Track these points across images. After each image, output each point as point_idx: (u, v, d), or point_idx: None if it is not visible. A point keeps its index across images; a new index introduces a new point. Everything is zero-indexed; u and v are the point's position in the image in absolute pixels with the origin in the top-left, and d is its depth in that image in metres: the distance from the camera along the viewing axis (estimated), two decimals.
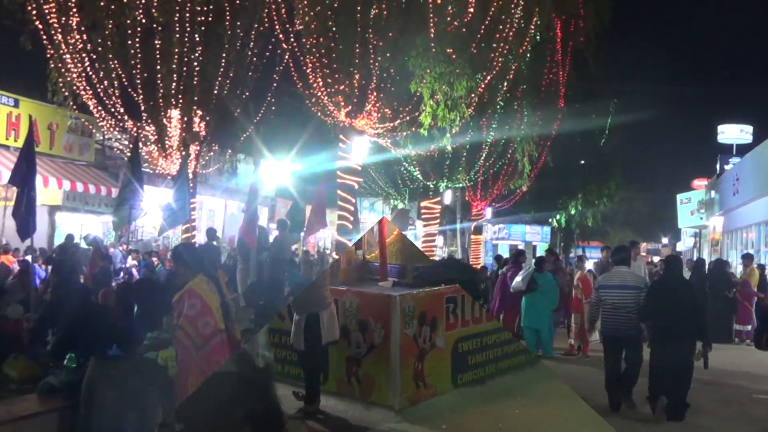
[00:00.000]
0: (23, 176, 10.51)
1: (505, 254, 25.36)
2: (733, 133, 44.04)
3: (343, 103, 17.06)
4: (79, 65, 17.85)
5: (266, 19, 17.63)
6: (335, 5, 15.95)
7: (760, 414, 10.75)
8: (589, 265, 17.70)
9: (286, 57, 17.51)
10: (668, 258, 13.72)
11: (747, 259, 19.53)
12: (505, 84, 19.30)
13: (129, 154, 16.46)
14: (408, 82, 16.34)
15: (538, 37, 19.79)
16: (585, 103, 28.26)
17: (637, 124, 32.41)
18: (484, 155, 23.23)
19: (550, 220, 38.28)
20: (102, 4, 17.04)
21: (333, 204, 19.88)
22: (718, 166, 40.48)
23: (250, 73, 18.97)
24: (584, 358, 15.49)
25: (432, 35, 16.04)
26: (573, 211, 36.21)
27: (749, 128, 43.40)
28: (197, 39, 17.64)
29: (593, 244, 46.30)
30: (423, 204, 24.81)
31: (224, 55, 18.16)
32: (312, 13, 16.23)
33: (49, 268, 14.14)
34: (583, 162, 34.51)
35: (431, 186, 23.10)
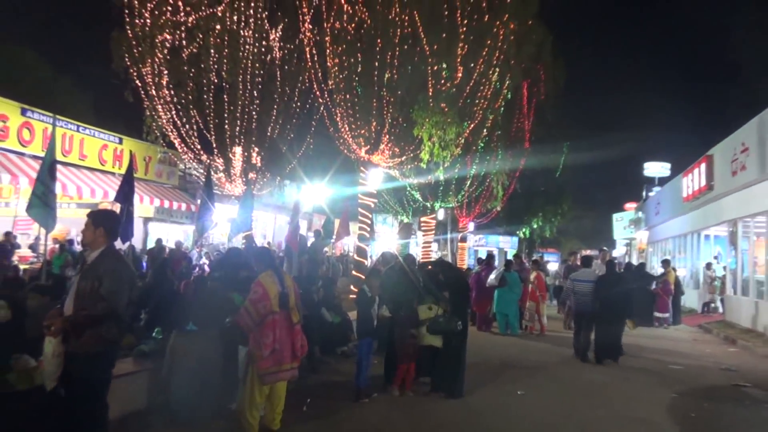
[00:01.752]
0: (125, 195, 10.56)
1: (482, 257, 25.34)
2: (655, 168, 44.08)
3: (363, 143, 17.08)
4: (167, 113, 17.95)
5: (306, 80, 17.68)
6: (358, 70, 16.00)
7: (674, 378, 10.76)
8: (553, 267, 17.91)
9: (321, 108, 17.56)
10: (608, 262, 14.72)
11: (665, 263, 19.66)
12: (484, 130, 19.35)
13: (204, 179, 16.50)
14: (412, 128, 16.38)
15: (509, 95, 19.84)
16: (544, 144, 28.31)
17: (582, 160, 32.51)
18: (468, 183, 23.27)
19: (517, 231, 38.58)
20: (185, 68, 17.14)
21: (355, 218, 19.92)
22: (644, 193, 40.60)
23: (294, 120, 19.02)
24: (542, 336, 15.65)
25: (430, 93, 16.09)
26: (535, 225, 36.81)
27: (668, 165, 43.44)
28: (255, 94, 17.72)
29: (550, 250, 46.60)
30: (422, 219, 24.81)
31: (275, 106, 18.23)
32: (340, 77, 16.27)
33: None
34: (543, 189, 34.71)
35: (428, 205, 23.12)
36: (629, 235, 41.75)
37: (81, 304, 5.04)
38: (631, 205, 43.62)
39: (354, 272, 18.52)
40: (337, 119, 16.96)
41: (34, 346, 5.69)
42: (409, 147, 17.10)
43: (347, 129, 16.87)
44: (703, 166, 20.78)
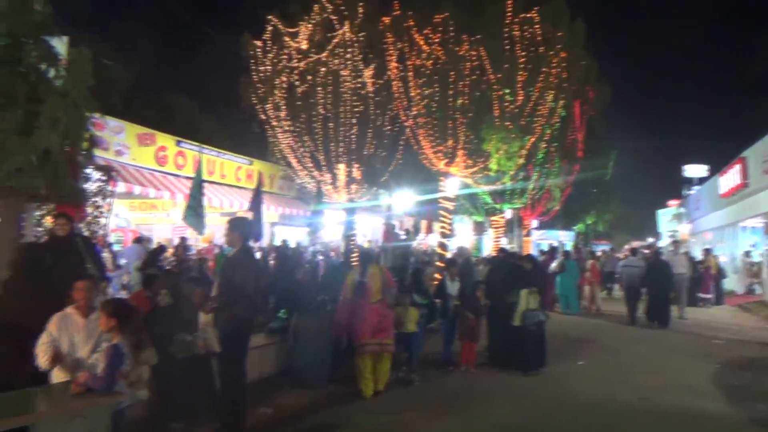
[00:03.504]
0: (256, 205, 10.88)
1: (545, 249, 24.67)
2: (694, 170, 41.69)
3: (442, 157, 16.93)
4: (286, 139, 18.42)
5: (394, 108, 17.69)
6: (436, 98, 15.88)
7: (717, 352, 10.08)
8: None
9: (407, 130, 17.52)
10: (654, 251, 14.57)
11: (706, 252, 18.59)
12: (543, 143, 18.79)
13: (315, 191, 16.84)
14: (482, 144, 16.12)
15: (563, 113, 19.23)
16: (595, 152, 27.29)
17: (630, 164, 31.22)
18: (530, 187, 22.64)
19: (574, 227, 37.40)
20: (298, 103, 17.54)
21: (437, 219, 19.76)
22: (684, 191, 38.38)
23: (385, 141, 19.03)
24: (598, 314, 15.12)
25: (496, 114, 15.79)
26: (589, 222, 35.63)
27: (706, 166, 41.02)
28: (353, 121, 17.89)
29: (603, 242, 44.69)
30: (492, 218, 24.26)
31: (369, 130, 18.34)
32: (422, 104, 16.19)
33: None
34: (594, 190, 33.45)
35: (497, 207, 22.62)
36: (673, 227, 39.60)
37: (221, 289, 5.24)
38: (673, 202, 41.32)
39: (437, 263, 18.37)
40: (420, 138, 16.86)
41: (189, 324, 5.92)
42: (480, 159, 16.81)
43: (429, 146, 16.75)
44: (738, 166, 19.49)
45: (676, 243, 14.93)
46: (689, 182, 39.79)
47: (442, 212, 18.46)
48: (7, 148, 5.33)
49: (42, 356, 4.13)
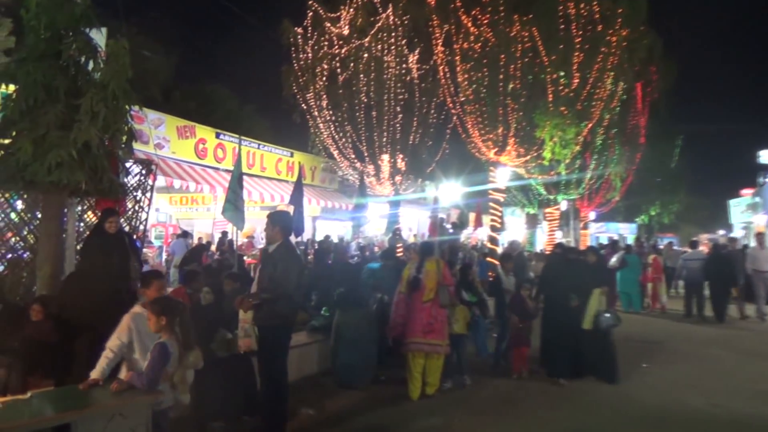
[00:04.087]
0: (297, 198, 10.97)
1: (604, 242, 24.12)
2: None
3: (491, 146, 16.73)
4: (327, 130, 18.55)
5: (440, 95, 17.56)
6: (485, 83, 15.67)
7: None
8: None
9: (454, 118, 17.36)
10: (713, 245, 15.97)
11: None
12: (601, 129, 18.32)
13: (358, 183, 16.87)
14: (534, 131, 15.82)
15: (623, 96, 18.69)
16: (659, 138, 26.46)
17: (698, 150, 30.13)
18: (588, 177, 22.12)
19: (636, 219, 36.35)
20: (340, 92, 17.63)
21: (486, 211, 19.54)
22: (760, 180, 36.65)
23: (431, 129, 18.96)
24: (663, 312, 14.74)
25: (550, 99, 15.46)
26: (653, 213, 34.59)
27: None
28: (398, 110, 17.87)
29: (668, 235, 43.20)
30: (547, 210, 23.83)
31: (415, 119, 18.29)
32: (470, 90, 16.01)
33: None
34: (659, 179, 32.42)
35: (552, 198, 22.20)
36: (747, 219, 37.91)
37: (261, 285, 5.31)
38: (747, 191, 39.49)
39: (487, 258, 18.18)
40: (468, 126, 16.70)
41: (229, 322, 6.03)
42: (532, 147, 16.52)
43: (477, 134, 16.57)
44: None
45: (761, 236, 14.23)
46: (765, 169, 37.85)
47: (492, 204, 18.25)
48: (48, 142, 5.53)
49: (98, 369, 4.15)
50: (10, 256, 6.82)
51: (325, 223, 23.22)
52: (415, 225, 28.17)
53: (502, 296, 8.62)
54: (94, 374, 4.09)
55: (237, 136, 18.24)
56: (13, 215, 6.86)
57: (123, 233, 6.45)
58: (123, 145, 6.27)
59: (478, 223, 19.69)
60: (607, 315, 7.79)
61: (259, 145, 20.24)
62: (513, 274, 9.01)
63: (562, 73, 15.54)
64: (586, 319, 7.78)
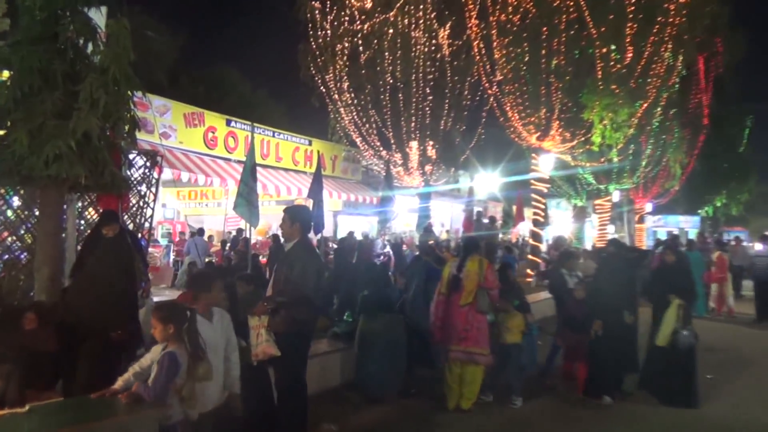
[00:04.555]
0: (316, 191, 11.02)
1: (663, 238, 23.72)
2: None
3: (533, 130, 16.59)
4: (349, 115, 18.59)
5: (475, 74, 17.47)
6: (525, 60, 15.54)
7: None
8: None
9: (491, 99, 17.27)
10: None
11: None
12: (659, 109, 17.99)
13: (384, 173, 16.86)
14: (581, 112, 15.66)
15: (683, 71, 18.36)
16: (725, 118, 25.93)
17: None
18: (643, 163, 21.79)
19: (699, 210, 35.66)
20: (362, 72, 17.66)
21: (528, 204, 19.42)
22: None
23: (465, 112, 18.90)
24: (730, 317, 14.51)
25: (599, 76, 15.27)
26: (719, 204, 33.92)
27: None
28: (427, 91, 17.83)
29: (737, 229, 42.23)
30: (596, 202, 23.59)
31: (446, 101, 18.23)
32: (508, 67, 15.91)
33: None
34: (725, 165, 31.74)
35: (602, 188, 21.94)
36: None
37: (277, 288, 5.34)
38: None
39: (529, 256, 18.07)
40: (507, 108, 16.59)
41: (243, 329, 6.07)
42: (580, 131, 16.34)
43: (517, 117, 16.46)
44: None
45: None
46: None
47: (534, 196, 18.14)
48: (45, 133, 5.60)
49: (121, 380, 4.17)
50: (6, 257, 6.95)
51: (347, 218, 23.30)
52: (447, 220, 28.11)
53: (564, 300, 8.33)
54: (117, 385, 4.16)
55: (250, 123, 18.37)
56: (9, 213, 6.99)
57: (125, 232, 6.53)
58: (126, 135, 6.34)
59: (520, 218, 19.60)
60: (686, 333, 7.23)
61: (274, 132, 20.35)
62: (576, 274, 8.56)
63: (612, 47, 15.32)
64: (660, 335, 7.36)
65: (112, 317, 5.53)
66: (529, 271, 17.11)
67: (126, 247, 6.16)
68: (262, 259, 14.84)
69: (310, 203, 11.29)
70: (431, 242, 11.66)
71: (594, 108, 15.37)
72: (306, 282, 5.23)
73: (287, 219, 5.59)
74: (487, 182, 25.86)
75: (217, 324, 4.58)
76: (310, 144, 21.55)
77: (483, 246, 9.49)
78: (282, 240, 12.83)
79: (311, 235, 7.84)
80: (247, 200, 8.84)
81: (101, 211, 7.04)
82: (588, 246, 22.37)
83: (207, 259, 14.95)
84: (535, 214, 18.13)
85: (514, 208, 19.86)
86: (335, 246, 15.82)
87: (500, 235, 18.73)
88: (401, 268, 11.11)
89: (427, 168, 19.11)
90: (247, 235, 11.47)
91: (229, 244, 16.27)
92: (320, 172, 11.67)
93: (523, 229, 24.26)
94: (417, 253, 12.59)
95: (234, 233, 17.42)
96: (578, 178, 22.36)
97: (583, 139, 16.43)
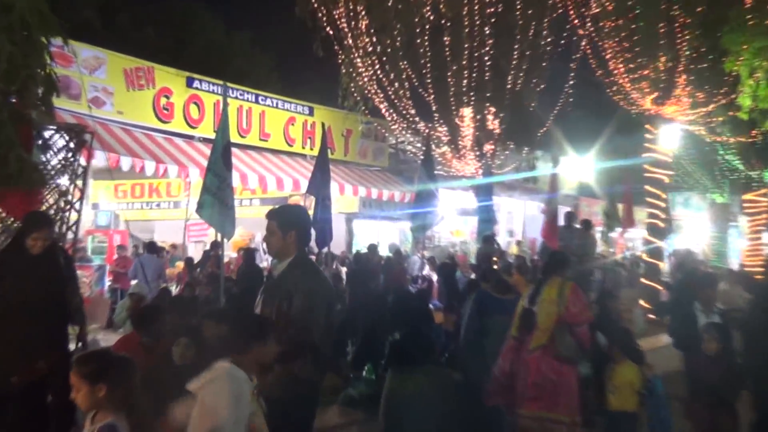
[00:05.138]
0: (320, 184, 11.02)
1: None
2: None
3: (648, 90, 16.51)
4: (369, 68, 18.59)
5: (560, 5, 17.43)
6: None
7: None
8: None
9: (583, 43, 17.23)
10: None
11: None
12: None
13: (422, 156, 16.80)
14: (722, 61, 15.54)
15: None
16: None
17: None
18: None
19: None
20: (390, 4, 17.64)
21: (641, 201, 19.23)
22: None
23: (544, 64, 18.85)
24: None
25: (748, 4, 15.13)
26: None
27: None
28: (487, 32, 17.78)
29: None
30: (746, 197, 23.35)
31: (516, 46, 18.18)
32: None
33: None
34: None
35: (755, 176, 21.71)
36: None
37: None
38: None
39: (643, 279, 17.89)
40: (608, 57, 16.53)
41: None
42: (719, 90, 16.21)
43: (623, 70, 16.38)
44: None
45: None
46: None
47: (650, 189, 17.99)
48: None
49: None
50: None
51: (366, 224, 23.20)
52: (518, 225, 28.02)
53: (692, 351, 8.07)
54: None
55: (221, 82, 18.45)
56: None
57: (56, 251, 6.57)
58: (39, 103, 6.40)
59: (628, 222, 19.47)
60: None
61: (257, 96, 20.38)
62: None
63: None
64: None
65: (39, 361, 5.71)
66: (642, 302, 16.92)
67: (57, 270, 6.23)
68: None
69: (310, 202, 11.33)
70: (495, 259, 11.64)
71: (740, 55, 15.23)
72: (311, 322, 5.17)
73: (276, 227, 5.44)
74: (578, 169, 25.70)
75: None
76: (310, 113, 21.53)
77: (573, 265, 9.40)
78: (265, 258, 12.92)
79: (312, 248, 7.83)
80: (217, 199, 8.83)
81: (26, 214, 7.01)
82: (733, 265, 22.14)
83: (162, 285, 15.00)
84: (651, 215, 17.99)
85: (620, 207, 19.71)
86: (349, 266, 15.84)
87: (599, 248, 18.58)
88: (450, 298, 11.13)
89: (488, 148, 19.05)
90: (220, 252, 11.44)
91: (198, 265, 16.25)
92: (326, 155, 11.70)
93: (635, 239, 24.12)
94: (473, 275, 12.58)
95: (208, 247, 17.36)
96: (717, 161, 22.14)
97: (724, 101, 16.29)
